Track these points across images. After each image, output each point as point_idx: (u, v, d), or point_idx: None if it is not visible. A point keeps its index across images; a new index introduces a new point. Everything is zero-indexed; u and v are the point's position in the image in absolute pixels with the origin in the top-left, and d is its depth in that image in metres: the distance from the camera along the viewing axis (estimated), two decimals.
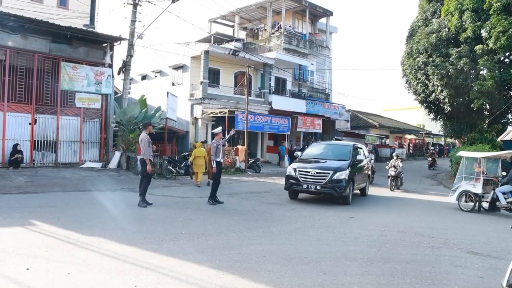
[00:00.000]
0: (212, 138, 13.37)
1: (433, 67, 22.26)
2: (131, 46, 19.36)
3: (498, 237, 8.69)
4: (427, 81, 23.69)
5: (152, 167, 10.26)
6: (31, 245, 6.07)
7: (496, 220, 11.08)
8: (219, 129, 11.84)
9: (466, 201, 12.58)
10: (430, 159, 32.66)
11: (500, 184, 12.04)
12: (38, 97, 17.11)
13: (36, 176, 14.38)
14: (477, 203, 12.32)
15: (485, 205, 12.46)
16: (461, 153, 14.50)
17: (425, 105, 26.42)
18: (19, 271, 4.90)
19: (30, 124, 16.91)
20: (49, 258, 5.49)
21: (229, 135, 12.33)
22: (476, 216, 11.80)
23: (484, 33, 21.37)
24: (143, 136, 10.23)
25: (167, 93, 21.62)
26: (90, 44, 18.40)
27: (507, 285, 4.10)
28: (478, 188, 12.30)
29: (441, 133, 40.61)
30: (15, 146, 15.91)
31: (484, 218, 11.46)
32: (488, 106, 23.09)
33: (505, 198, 11.56)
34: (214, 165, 11.17)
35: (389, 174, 17.46)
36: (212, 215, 9.36)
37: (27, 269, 4.95)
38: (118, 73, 20.27)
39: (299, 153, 14.40)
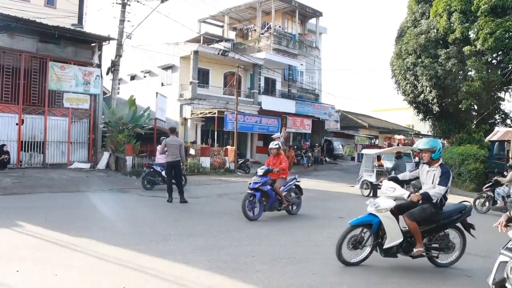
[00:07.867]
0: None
1: (422, 68, 22.45)
2: (119, 46, 19.24)
3: (484, 237, 8.77)
4: (416, 82, 23.87)
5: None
6: (18, 247, 6.00)
7: (485, 220, 11.18)
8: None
9: (365, 188, 15.15)
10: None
11: (388, 174, 13.55)
12: (25, 97, 16.90)
13: (23, 177, 14.20)
14: (372, 190, 14.72)
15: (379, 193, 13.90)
16: (363, 151, 18.25)
17: (414, 105, 26.60)
18: (5, 273, 4.84)
19: (17, 124, 16.70)
20: (36, 259, 5.43)
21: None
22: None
23: (472, 35, 21.61)
24: (181, 141, 11.42)
25: (156, 93, 21.52)
26: (78, 43, 18.23)
27: (493, 283, 4.20)
28: (373, 178, 14.99)
29: (430, 133, 40.97)
30: (1, 146, 15.69)
31: (472, 219, 11.56)
32: (476, 107, 23.36)
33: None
34: None
35: None
36: (201, 215, 9.33)
37: (17, 271, 4.89)
38: (107, 73, 20.10)
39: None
